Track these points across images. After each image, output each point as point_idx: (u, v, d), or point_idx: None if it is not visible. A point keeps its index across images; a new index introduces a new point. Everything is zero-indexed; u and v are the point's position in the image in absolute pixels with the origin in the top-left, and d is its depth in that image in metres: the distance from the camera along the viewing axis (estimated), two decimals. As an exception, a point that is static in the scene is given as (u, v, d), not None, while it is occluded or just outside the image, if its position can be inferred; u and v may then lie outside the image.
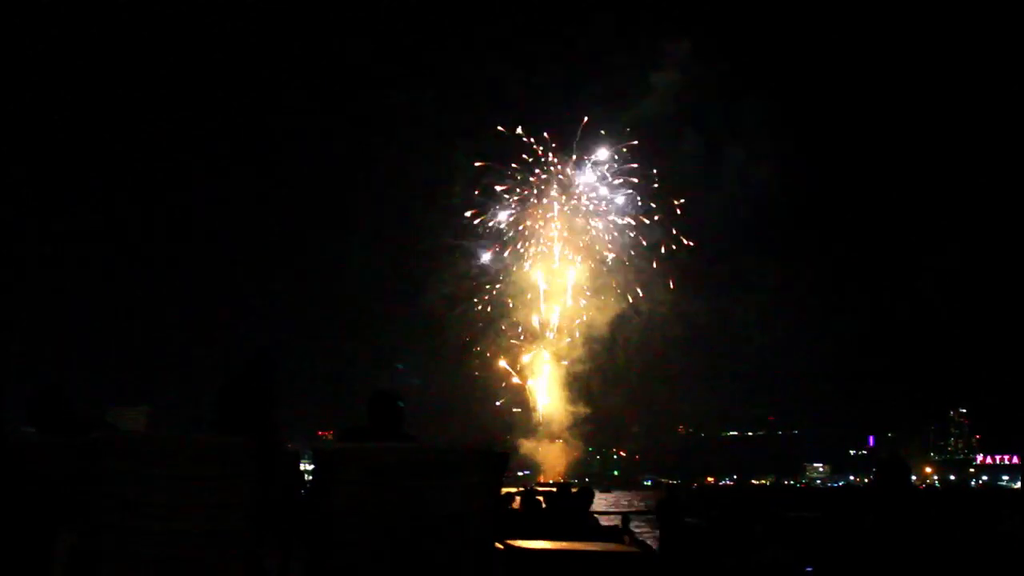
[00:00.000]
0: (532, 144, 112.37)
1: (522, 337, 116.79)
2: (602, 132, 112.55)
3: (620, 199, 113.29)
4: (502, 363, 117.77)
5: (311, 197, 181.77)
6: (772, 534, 11.32)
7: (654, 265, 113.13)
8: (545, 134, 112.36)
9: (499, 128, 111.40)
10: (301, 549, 4.36)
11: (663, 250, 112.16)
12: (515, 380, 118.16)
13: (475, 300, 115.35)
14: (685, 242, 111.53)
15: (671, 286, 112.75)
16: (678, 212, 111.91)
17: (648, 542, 13.87)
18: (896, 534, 7.08)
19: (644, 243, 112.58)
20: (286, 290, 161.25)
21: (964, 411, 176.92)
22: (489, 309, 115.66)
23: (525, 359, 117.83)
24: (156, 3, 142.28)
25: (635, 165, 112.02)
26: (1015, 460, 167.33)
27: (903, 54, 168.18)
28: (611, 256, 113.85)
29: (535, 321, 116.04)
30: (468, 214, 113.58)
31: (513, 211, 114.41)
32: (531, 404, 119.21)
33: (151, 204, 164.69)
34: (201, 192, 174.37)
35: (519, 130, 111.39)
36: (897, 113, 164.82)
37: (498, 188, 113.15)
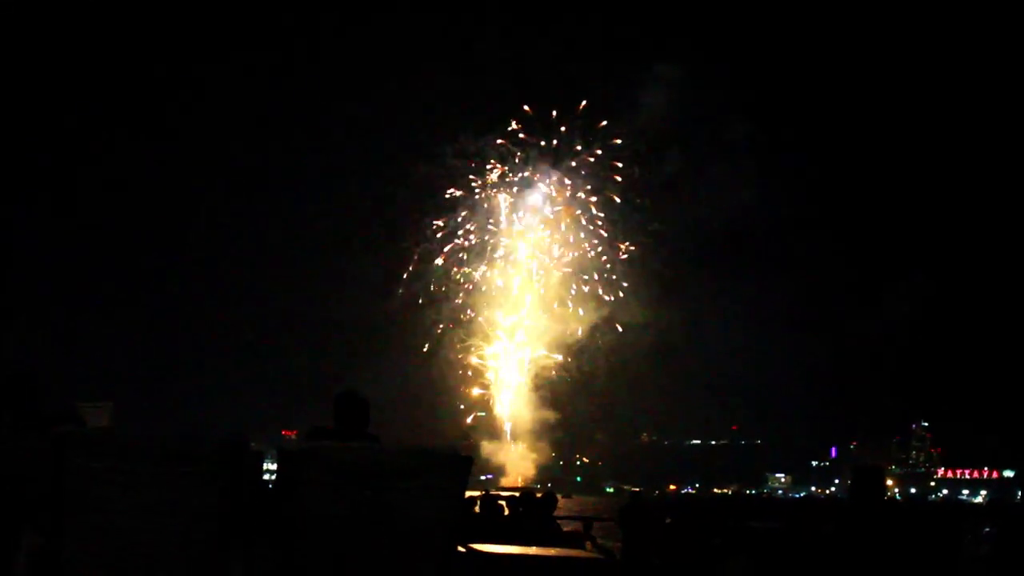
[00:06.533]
0: (513, 151, 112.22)
1: (493, 341, 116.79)
2: (584, 145, 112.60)
3: (596, 211, 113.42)
4: (470, 365, 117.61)
5: (278, 194, 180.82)
6: (735, 543, 11.39)
7: (625, 278, 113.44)
8: (524, 140, 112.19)
9: (475, 134, 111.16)
10: (266, 551, 4.36)
11: (632, 249, 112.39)
12: (482, 384, 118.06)
13: (445, 302, 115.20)
14: (658, 253, 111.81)
15: (642, 297, 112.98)
16: (654, 224, 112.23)
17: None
18: (867, 543, 7.15)
19: (619, 255, 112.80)
20: (250, 288, 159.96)
21: (926, 424, 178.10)
22: (463, 312, 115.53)
23: (493, 363, 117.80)
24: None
25: (618, 178, 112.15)
26: (975, 475, 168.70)
27: (879, 82, 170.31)
28: (588, 262, 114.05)
29: (506, 325, 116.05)
30: (440, 222, 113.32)
31: (487, 216, 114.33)
32: (496, 408, 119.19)
33: (114, 200, 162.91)
34: (166, 189, 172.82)
35: (499, 139, 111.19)
36: (874, 139, 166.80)
37: (476, 190, 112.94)
